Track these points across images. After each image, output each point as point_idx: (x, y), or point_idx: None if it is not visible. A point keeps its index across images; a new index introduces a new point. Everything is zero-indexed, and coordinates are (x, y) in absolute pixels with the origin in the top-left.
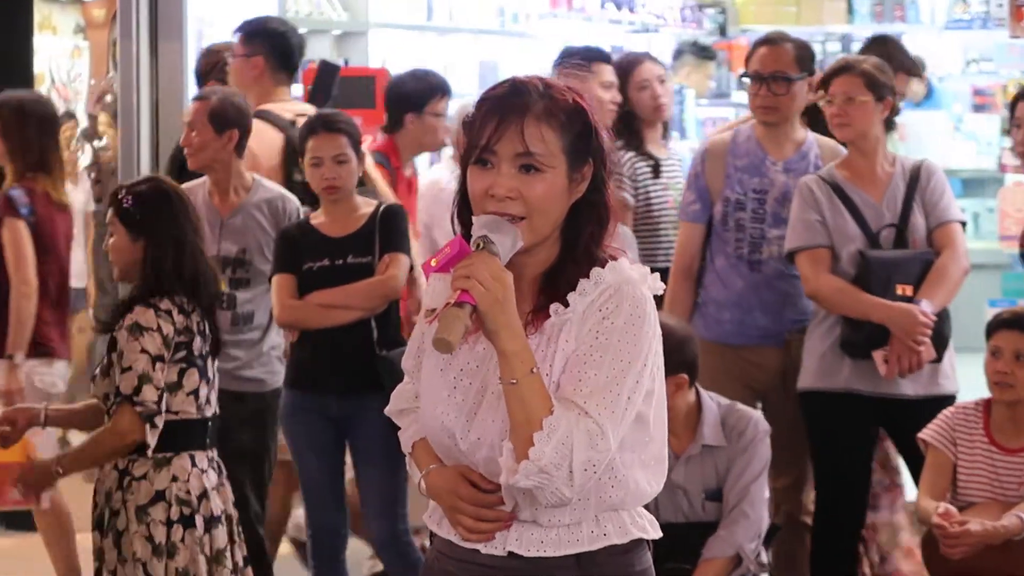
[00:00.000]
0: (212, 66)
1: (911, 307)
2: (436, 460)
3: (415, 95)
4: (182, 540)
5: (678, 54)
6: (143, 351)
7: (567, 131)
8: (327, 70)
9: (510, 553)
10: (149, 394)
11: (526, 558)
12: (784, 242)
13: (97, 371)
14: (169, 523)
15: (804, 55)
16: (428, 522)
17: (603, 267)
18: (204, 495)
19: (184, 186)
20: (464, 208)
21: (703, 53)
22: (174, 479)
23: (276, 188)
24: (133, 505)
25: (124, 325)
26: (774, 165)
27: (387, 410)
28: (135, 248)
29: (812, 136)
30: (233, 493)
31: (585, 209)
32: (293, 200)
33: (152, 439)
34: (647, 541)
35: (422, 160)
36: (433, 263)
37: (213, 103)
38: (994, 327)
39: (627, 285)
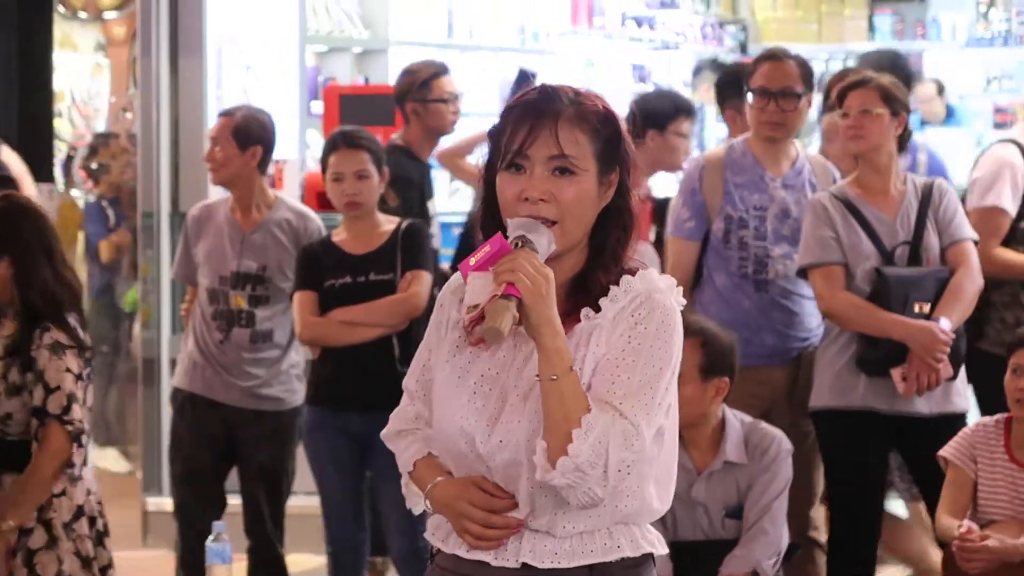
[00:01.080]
0: (409, 87)
1: (931, 325)
2: (443, 475)
3: (659, 113)
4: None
5: (697, 71)
6: (67, 370)
7: (598, 136)
8: (523, 78)
9: (524, 565)
10: (77, 413)
11: (540, 570)
12: (787, 260)
13: None
14: (95, 536)
15: (807, 71)
16: (432, 539)
17: (633, 275)
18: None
19: (207, 203)
20: (488, 218)
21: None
22: (88, 493)
23: (298, 206)
24: (59, 522)
25: (43, 344)
26: (773, 181)
27: (383, 433)
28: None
29: (803, 152)
30: (249, 510)
31: (612, 215)
32: (315, 219)
33: (78, 458)
34: (653, 558)
35: None
36: (472, 262)
37: (237, 119)
38: (1016, 345)
39: (657, 294)
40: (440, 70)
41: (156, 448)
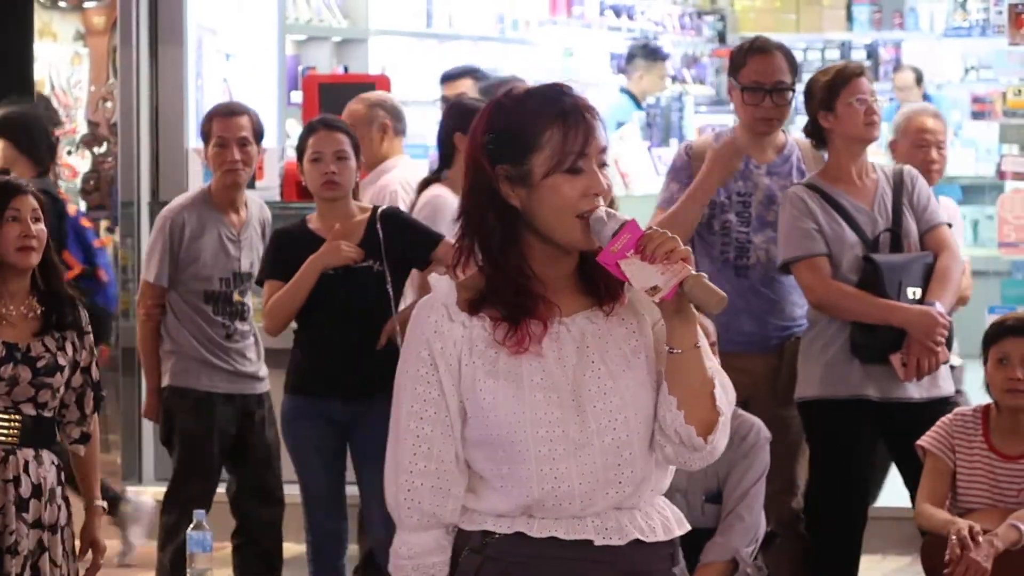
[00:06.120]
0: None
1: (929, 309)
2: None
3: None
4: None
5: (630, 58)
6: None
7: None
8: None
9: (634, 541)
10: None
11: (648, 544)
12: (771, 246)
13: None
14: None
15: (793, 61)
16: (514, 525)
17: None
18: None
19: (181, 205)
20: (493, 218)
21: (654, 55)
22: None
23: (256, 198)
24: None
25: (85, 322)
26: (757, 169)
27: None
28: None
29: (791, 138)
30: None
31: None
32: (266, 208)
33: None
34: None
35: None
36: (614, 250)
37: (253, 117)
38: (999, 334)
39: None
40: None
41: (134, 437)
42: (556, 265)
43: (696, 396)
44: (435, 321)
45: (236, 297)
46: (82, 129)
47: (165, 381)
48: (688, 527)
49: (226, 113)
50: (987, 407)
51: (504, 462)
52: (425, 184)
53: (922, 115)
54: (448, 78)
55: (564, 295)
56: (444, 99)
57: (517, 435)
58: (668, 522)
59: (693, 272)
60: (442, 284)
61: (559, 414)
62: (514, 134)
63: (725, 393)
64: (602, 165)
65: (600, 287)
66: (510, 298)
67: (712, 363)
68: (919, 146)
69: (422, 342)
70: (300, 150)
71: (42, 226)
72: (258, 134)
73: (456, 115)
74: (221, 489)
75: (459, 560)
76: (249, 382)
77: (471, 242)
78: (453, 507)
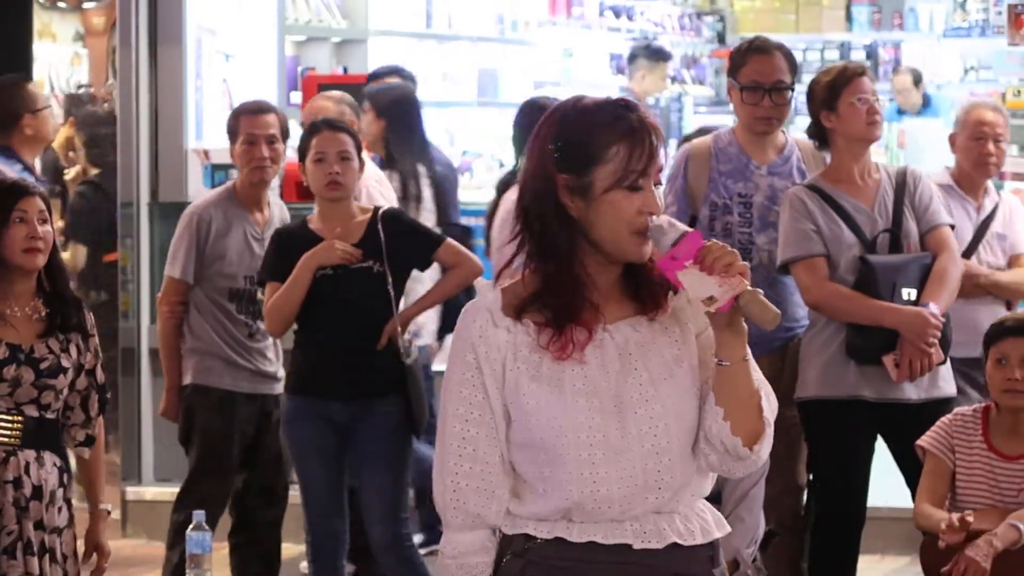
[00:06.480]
0: None
1: (922, 310)
2: None
3: None
4: None
5: (632, 58)
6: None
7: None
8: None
9: (672, 545)
10: None
11: (685, 548)
12: (772, 247)
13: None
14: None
15: (792, 61)
16: (554, 530)
17: None
18: None
19: (207, 203)
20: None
21: (657, 55)
22: None
23: (276, 199)
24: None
25: (91, 324)
26: (758, 169)
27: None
28: None
29: (791, 138)
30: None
31: None
32: (285, 209)
33: None
34: None
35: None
36: (674, 258)
37: (281, 116)
38: (999, 334)
39: None
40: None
41: (135, 437)
42: (604, 273)
43: (743, 407)
44: (480, 326)
45: (259, 296)
46: None
47: (187, 379)
48: (728, 528)
49: (254, 111)
50: (987, 407)
51: (546, 465)
52: (504, 185)
53: (981, 108)
54: (373, 77)
55: (609, 302)
56: (368, 95)
57: (558, 439)
58: (707, 525)
59: (749, 287)
60: (487, 289)
61: (600, 420)
62: (580, 145)
63: (769, 403)
64: (658, 184)
65: (644, 295)
66: (565, 300)
67: (758, 374)
68: (976, 139)
69: (467, 346)
70: (302, 151)
71: (48, 228)
72: (284, 132)
73: (538, 114)
74: None
75: (502, 563)
76: (269, 382)
77: (531, 247)
78: (497, 508)
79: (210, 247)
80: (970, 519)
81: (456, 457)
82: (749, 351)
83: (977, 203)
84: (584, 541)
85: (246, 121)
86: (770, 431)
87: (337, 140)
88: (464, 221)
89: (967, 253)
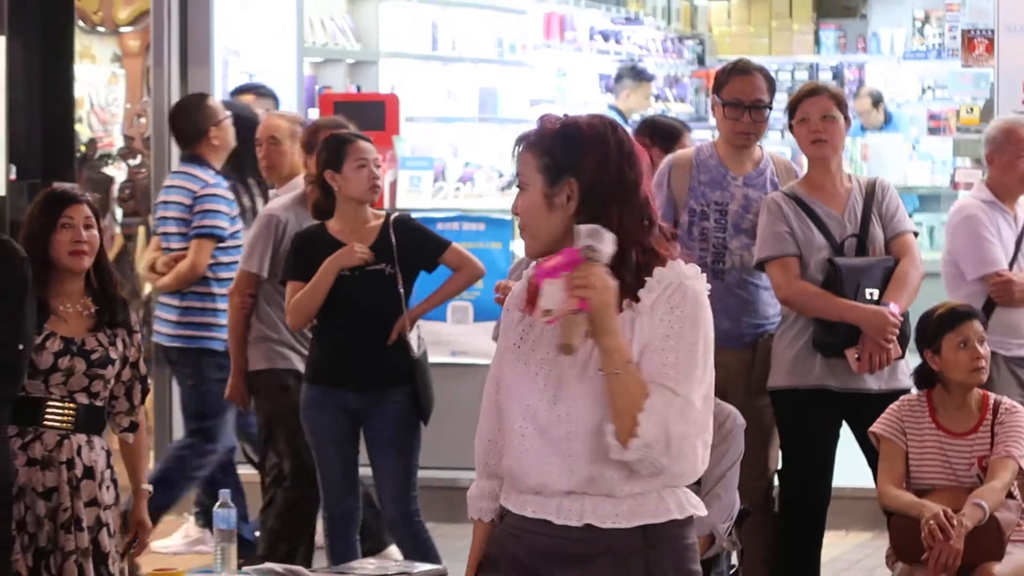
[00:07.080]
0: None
1: (882, 309)
2: None
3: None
4: None
5: (618, 78)
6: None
7: (544, 153)
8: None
9: (586, 525)
10: None
11: (601, 529)
12: (745, 252)
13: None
14: None
15: (771, 82)
16: (503, 502)
17: (663, 266)
18: None
19: (284, 205)
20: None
21: (640, 76)
22: None
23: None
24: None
25: (134, 320)
26: (735, 180)
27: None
28: None
29: (768, 153)
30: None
31: (624, 217)
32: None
33: None
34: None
35: None
36: (546, 268)
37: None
38: (955, 320)
39: (687, 280)
40: None
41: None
42: None
43: (621, 411)
44: (511, 300)
45: None
46: (118, 143)
47: (260, 365)
48: (703, 512)
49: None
50: (929, 391)
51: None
52: None
53: (1020, 126)
54: (235, 92)
55: None
56: (227, 105)
57: (511, 411)
58: (640, 508)
59: (577, 315)
60: (517, 286)
61: (536, 399)
62: None
63: (667, 422)
64: (520, 187)
65: (621, 289)
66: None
67: (641, 388)
68: (1021, 156)
69: (505, 310)
70: (333, 161)
71: (95, 232)
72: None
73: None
74: (251, 470)
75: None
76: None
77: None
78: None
79: (283, 244)
80: (951, 518)
81: (484, 415)
82: (622, 367)
83: (1014, 214)
84: (523, 514)
85: (353, 147)
86: (643, 442)
87: (371, 150)
88: (465, 226)
89: (1010, 264)
